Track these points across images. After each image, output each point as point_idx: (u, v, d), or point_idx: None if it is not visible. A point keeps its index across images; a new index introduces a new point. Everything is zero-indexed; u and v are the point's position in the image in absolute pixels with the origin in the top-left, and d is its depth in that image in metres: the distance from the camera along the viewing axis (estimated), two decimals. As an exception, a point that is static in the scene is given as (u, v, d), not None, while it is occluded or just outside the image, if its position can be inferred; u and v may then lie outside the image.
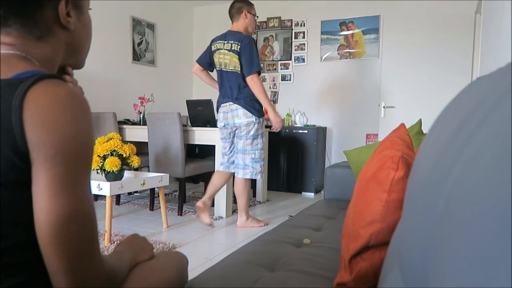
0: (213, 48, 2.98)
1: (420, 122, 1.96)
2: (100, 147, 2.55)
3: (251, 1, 2.99)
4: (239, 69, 2.84)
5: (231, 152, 3.05)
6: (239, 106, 2.85)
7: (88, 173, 0.62)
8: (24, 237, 0.60)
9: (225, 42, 2.89)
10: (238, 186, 2.97)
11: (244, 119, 2.85)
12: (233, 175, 3.06)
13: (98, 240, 0.63)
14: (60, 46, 0.73)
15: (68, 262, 0.58)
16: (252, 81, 2.80)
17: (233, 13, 2.96)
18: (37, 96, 0.58)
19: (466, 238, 0.29)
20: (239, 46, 2.82)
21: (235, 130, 2.94)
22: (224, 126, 2.97)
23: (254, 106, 2.86)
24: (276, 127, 2.97)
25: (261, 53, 5.26)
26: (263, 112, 2.96)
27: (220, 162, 3.12)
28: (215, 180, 3.07)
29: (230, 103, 2.89)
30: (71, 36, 0.74)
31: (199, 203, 2.97)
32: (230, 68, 2.88)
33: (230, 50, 2.86)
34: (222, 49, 2.90)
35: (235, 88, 2.87)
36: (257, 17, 3.07)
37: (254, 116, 2.86)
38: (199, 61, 3.11)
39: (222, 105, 2.95)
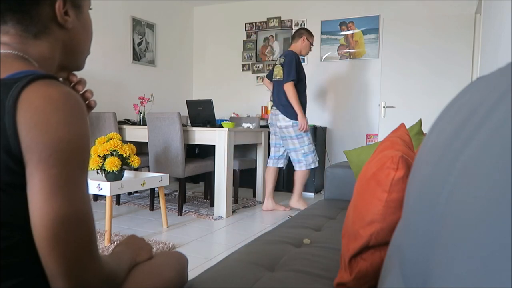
0: (274, 63, 3.68)
1: (420, 122, 1.96)
2: (100, 147, 2.55)
3: (312, 33, 3.64)
4: (281, 78, 3.43)
5: (277, 145, 3.63)
6: (279, 112, 3.45)
7: (84, 174, 0.61)
8: (21, 239, 0.59)
9: (279, 58, 3.54)
10: (296, 175, 3.58)
11: (283, 123, 3.43)
12: (279, 169, 3.75)
13: (96, 241, 0.63)
14: (57, 45, 0.72)
15: (65, 264, 0.58)
16: (286, 87, 3.35)
17: (295, 35, 3.61)
18: (30, 96, 0.57)
19: (466, 238, 0.29)
20: (284, 59, 3.43)
21: (280, 132, 3.52)
22: (271, 124, 3.62)
23: (290, 111, 3.40)
24: (301, 127, 3.41)
25: (261, 53, 5.27)
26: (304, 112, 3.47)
27: (269, 157, 3.72)
28: (268, 178, 3.67)
29: (274, 108, 3.52)
30: (69, 35, 0.73)
31: (264, 208, 3.66)
32: (278, 77, 3.48)
33: (279, 63, 3.49)
34: (277, 63, 3.56)
35: (278, 95, 3.46)
36: (313, 45, 3.74)
37: (291, 120, 3.40)
38: (267, 76, 3.87)
39: (272, 108, 3.59)
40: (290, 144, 3.48)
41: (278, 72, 3.47)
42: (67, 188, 0.58)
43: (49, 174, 0.57)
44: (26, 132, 0.56)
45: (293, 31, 5.03)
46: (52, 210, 0.57)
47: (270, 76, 3.81)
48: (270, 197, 3.64)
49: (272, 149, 3.68)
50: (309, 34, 3.60)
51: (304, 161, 3.47)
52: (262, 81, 3.91)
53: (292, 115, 3.38)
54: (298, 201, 3.60)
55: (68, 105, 0.60)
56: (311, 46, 3.64)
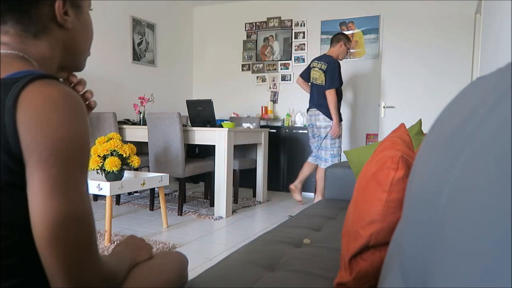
0: (311, 66, 3.84)
1: (420, 122, 1.96)
2: (100, 147, 2.55)
3: (350, 38, 3.84)
4: (323, 84, 3.65)
5: (316, 147, 3.84)
6: (320, 112, 3.68)
7: (84, 174, 0.61)
8: (21, 239, 0.59)
9: (319, 62, 3.74)
10: (319, 173, 3.76)
11: (324, 123, 3.68)
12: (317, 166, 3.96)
13: (96, 241, 0.63)
14: (57, 45, 0.72)
15: (66, 264, 0.58)
16: (328, 94, 3.60)
17: (333, 40, 3.80)
18: (30, 96, 0.57)
19: (466, 238, 0.29)
20: (326, 66, 3.65)
21: (317, 131, 3.76)
22: (310, 125, 3.85)
23: (332, 113, 3.64)
24: (334, 133, 3.68)
25: (261, 53, 5.27)
26: (340, 118, 3.70)
27: (311, 154, 3.95)
28: (305, 169, 3.91)
29: (314, 109, 3.74)
30: (69, 35, 0.73)
31: (292, 186, 3.95)
32: (318, 82, 3.71)
33: (320, 68, 3.70)
34: (316, 67, 3.75)
35: (319, 98, 3.69)
36: (349, 51, 3.95)
37: (331, 121, 3.65)
38: (301, 75, 4.02)
39: (310, 110, 3.81)
40: (323, 142, 3.73)
41: (319, 77, 3.69)
42: (67, 187, 0.58)
43: (49, 174, 0.57)
44: (26, 132, 0.56)
45: (293, 30, 5.04)
46: (52, 210, 0.57)
47: (304, 76, 3.97)
48: (299, 184, 3.93)
49: (313, 150, 3.90)
50: (347, 39, 3.78)
51: (330, 161, 3.70)
52: (297, 80, 4.09)
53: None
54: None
55: (68, 105, 0.59)
56: (348, 51, 3.83)
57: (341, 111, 4.82)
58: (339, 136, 3.73)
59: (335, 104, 3.60)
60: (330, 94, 3.57)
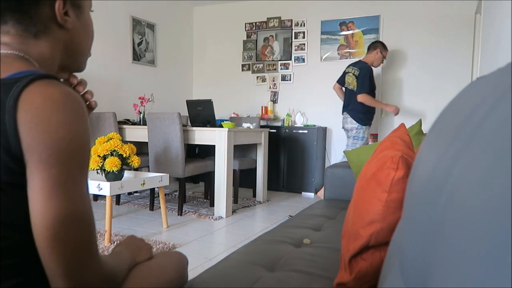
0: (346, 71, 4.03)
1: (420, 122, 1.96)
2: (100, 147, 2.55)
3: (386, 47, 3.98)
4: (355, 89, 3.82)
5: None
6: (349, 116, 3.89)
7: (85, 174, 0.61)
8: (21, 239, 0.59)
9: (353, 68, 3.92)
10: None
11: (350, 125, 3.90)
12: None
13: (96, 241, 0.63)
14: (58, 45, 0.72)
15: (66, 264, 0.58)
16: (361, 98, 3.76)
17: (370, 47, 3.97)
18: (31, 96, 0.57)
19: (466, 238, 0.29)
20: (358, 72, 3.82)
21: (346, 133, 4.00)
22: (343, 127, 4.05)
23: (359, 116, 3.83)
24: (394, 112, 3.89)
25: (261, 53, 5.27)
26: (367, 122, 3.88)
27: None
28: None
29: (345, 112, 3.94)
30: (69, 35, 0.73)
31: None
32: (350, 87, 3.90)
33: (353, 74, 3.88)
34: (350, 72, 3.93)
35: (349, 102, 3.88)
36: (385, 59, 4.04)
37: (357, 124, 3.84)
38: (338, 81, 4.18)
39: (343, 113, 4.00)
40: (349, 142, 3.95)
41: (352, 82, 3.88)
42: (67, 187, 0.58)
43: (50, 173, 0.57)
44: (27, 132, 0.56)
45: (293, 30, 5.04)
46: (52, 209, 0.57)
47: (340, 81, 4.16)
48: None
49: None
50: (384, 47, 3.94)
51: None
52: (333, 87, 4.25)
53: (359, 120, 3.83)
54: None
55: (68, 105, 0.60)
56: (384, 59, 3.98)
57: (340, 111, 4.87)
58: (362, 139, 3.88)
59: (372, 101, 3.78)
60: (363, 97, 3.74)
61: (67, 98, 0.60)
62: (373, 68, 3.92)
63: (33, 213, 0.57)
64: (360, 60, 3.99)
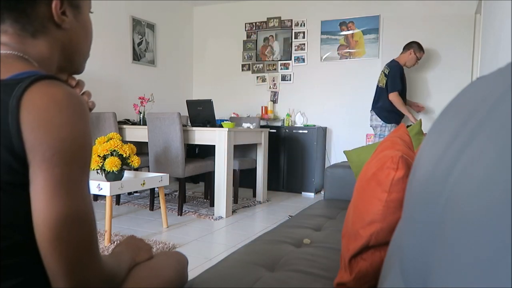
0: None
1: (420, 122, 1.96)
2: (100, 147, 2.55)
3: (422, 48, 3.91)
4: (384, 86, 3.83)
5: None
6: (374, 113, 3.91)
7: (87, 173, 0.62)
8: (22, 239, 0.59)
9: (386, 66, 3.91)
10: None
11: (375, 122, 3.92)
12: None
13: (97, 241, 0.63)
14: (56, 45, 0.72)
15: (67, 264, 0.58)
16: (392, 97, 3.75)
17: (405, 47, 3.92)
18: (34, 97, 0.58)
19: (466, 238, 0.29)
20: (388, 70, 3.81)
21: (372, 130, 4.03)
22: (370, 125, 4.06)
23: (384, 115, 3.84)
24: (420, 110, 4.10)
25: (261, 53, 5.27)
26: (391, 120, 3.83)
27: None
28: None
29: (372, 110, 3.95)
30: (67, 35, 0.73)
31: None
32: (380, 84, 3.90)
33: (383, 72, 3.89)
34: (382, 71, 3.93)
35: (377, 100, 3.90)
36: (419, 60, 3.95)
37: (382, 121, 3.86)
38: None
39: (371, 110, 4.00)
40: (373, 139, 4.03)
41: (381, 80, 3.88)
42: (69, 187, 0.58)
43: (52, 173, 0.57)
44: (30, 132, 0.57)
45: (293, 30, 5.04)
46: (55, 209, 0.57)
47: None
48: None
49: None
50: (419, 48, 3.88)
51: None
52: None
53: (384, 118, 3.83)
54: None
55: (71, 105, 0.60)
56: (418, 60, 3.92)
57: (340, 111, 4.88)
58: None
59: (402, 104, 3.75)
60: (393, 97, 3.73)
61: (70, 98, 0.60)
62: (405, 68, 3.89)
63: (35, 212, 0.57)
64: (393, 59, 3.94)
